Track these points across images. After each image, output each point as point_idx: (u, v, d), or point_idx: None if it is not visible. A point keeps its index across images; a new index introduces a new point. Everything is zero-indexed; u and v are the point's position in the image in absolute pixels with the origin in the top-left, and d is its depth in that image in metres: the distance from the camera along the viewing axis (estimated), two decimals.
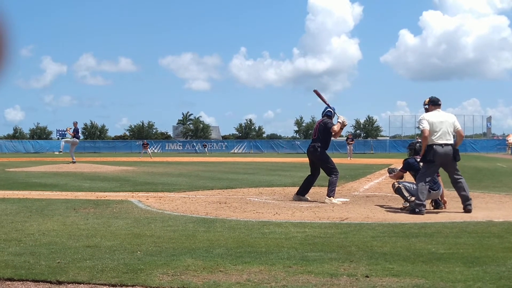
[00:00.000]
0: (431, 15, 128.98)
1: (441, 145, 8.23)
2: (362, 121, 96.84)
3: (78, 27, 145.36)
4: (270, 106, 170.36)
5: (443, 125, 8.33)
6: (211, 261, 4.66)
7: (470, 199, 8.27)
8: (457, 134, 8.58)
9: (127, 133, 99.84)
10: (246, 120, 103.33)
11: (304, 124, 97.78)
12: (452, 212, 8.26)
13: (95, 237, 5.91)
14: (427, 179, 8.28)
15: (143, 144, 49.00)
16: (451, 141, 8.36)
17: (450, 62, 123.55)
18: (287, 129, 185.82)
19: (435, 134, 8.28)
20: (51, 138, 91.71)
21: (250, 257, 4.84)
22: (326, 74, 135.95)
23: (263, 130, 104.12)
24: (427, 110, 8.69)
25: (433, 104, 8.66)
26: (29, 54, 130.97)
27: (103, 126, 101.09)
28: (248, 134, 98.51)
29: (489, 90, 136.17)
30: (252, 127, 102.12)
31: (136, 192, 11.53)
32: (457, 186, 8.39)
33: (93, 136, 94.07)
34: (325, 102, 10.45)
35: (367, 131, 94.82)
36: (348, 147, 38.83)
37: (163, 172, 20.36)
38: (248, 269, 4.36)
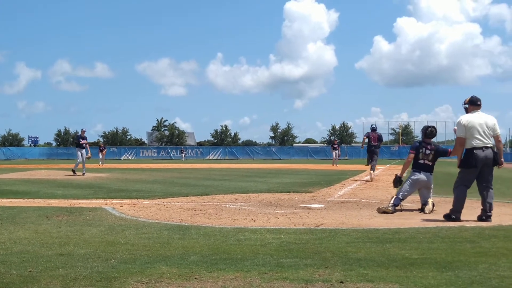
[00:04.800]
0: (405, 22, 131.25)
1: (481, 148, 7.87)
2: (337, 127, 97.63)
3: (54, 32, 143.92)
4: (246, 112, 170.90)
5: (483, 127, 7.91)
6: (186, 269, 4.63)
7: (492, 209, 8.07)
8: (495, 140, 8.11)
9: (101, 140, 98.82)
10: (222, 126, 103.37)
11: (280, 131, 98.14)
12: (427, 218, 8.37)
13: (68, 245, 5.83)
14: (466, 187, 8.08)
15: (99, 147, 45.60)
16: (491, 144, 7.98)
17: (424, 69, 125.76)
18: (263, 135, 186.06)
19: (475, 137, 7.88)
20: (23, 145, 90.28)
21: (225, 264, 4.83)
22: (302, 80, 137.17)
23: (239, 136, 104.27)
24: (466, 110, 8.24)
25: (472, 104, 8.16)
26: (2, 59, 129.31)
27: (76, 133, 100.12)
28: (223, 141, 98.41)
29: (461, 97, 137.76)
30: (228, 134, 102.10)
31: (110, 199, 11.41)
32: (483, 194, 8.10)
33: (66, 143, 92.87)
34: None
35: (341, 137, 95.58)
36: (333, 152, 37.81)
37: (137, 179, 20.20)
38: (224, 276, 4.35)
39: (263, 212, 9.13)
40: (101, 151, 43.39)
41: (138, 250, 5.54)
